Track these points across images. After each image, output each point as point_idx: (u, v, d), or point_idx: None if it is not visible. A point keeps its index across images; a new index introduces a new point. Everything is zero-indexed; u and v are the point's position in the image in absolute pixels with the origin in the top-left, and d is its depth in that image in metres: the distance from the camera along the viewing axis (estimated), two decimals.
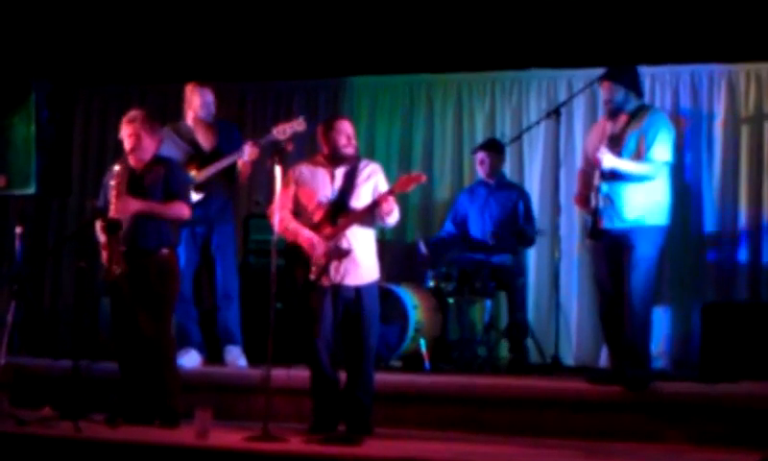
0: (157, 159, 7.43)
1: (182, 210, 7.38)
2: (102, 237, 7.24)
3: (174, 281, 7.43)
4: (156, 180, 7.33)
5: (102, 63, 10.41)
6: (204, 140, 8.45)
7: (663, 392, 7.26)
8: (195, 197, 8.15)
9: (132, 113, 7.47)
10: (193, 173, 8.27)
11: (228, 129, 8.64)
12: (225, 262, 8.44)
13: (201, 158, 8.34)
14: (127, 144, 7.37)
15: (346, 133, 7.12)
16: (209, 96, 8.51)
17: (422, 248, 9.03)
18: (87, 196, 10.00)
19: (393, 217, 7.04)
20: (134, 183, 7.33)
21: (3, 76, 9.48)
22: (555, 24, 9.31)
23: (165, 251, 7.32)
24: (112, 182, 7.30)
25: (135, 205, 7.24)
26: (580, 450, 6.65)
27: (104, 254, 7.26)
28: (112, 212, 7.21)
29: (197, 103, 8.48)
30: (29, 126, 8.90)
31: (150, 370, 7.23)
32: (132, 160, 7.38)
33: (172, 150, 8.18)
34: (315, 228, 7.03)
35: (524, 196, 9.16)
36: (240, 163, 8.26)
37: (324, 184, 7.09)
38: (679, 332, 9.10)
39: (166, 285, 7.33)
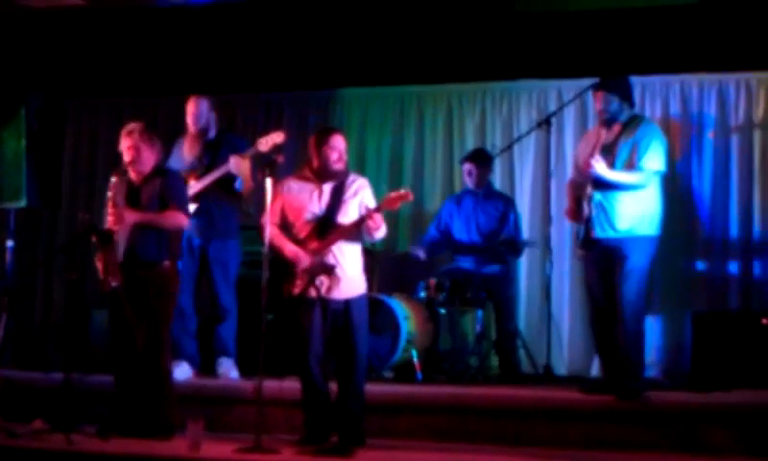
0: (156, 171, 7.38)
1: (180, 219, 7.33)
2: (98, 249, 7.23)
3: (173, 294, 7.39)
4: (154, 191, 7.29)
5: (92, 77, 10.39)
6: (189, 151, 8.47)
7: (655, 401, 7.26)
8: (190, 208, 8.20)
9: (131, 126, 7.42)
10: (191, 183, 8.29)
11: (234, 142, 8.58)
12: (223, 276, 8.41)
13: (201, 170, 8.35)
14: (126, 156, 7.33)
15: (338, 148, 7.10)
16: (192, 107, 8.49)
17: (420, 253, 9.02)
18: (78, 209, 10.02)
19: (380, 233, 7.03)
20: (133, 196, 7.31)
21: None
22: (545, 35, 9.31)
23: (167, 263, 7.28)
24: (109, 194, 7.28)
25: (132, 216, 7.20)
26: (573, 460, 6.64)
27: (99, 267, 7.24)
28: (109, 224, 7.19)
29: (188, 115, 8.50)
30: (19, 140, 8.89)
31: (145, 381, 7.18)
32: (131, 173, 7.35)
33: (178, 162, 8.34)
34: (302, 242, 7.03)
35: (512, 206, 9.14)
36: (241, 177, 8.24)
37: (312, 200, 7.08)
38: (670, 342, 9.09)
39: (166, 298, 7.28)
